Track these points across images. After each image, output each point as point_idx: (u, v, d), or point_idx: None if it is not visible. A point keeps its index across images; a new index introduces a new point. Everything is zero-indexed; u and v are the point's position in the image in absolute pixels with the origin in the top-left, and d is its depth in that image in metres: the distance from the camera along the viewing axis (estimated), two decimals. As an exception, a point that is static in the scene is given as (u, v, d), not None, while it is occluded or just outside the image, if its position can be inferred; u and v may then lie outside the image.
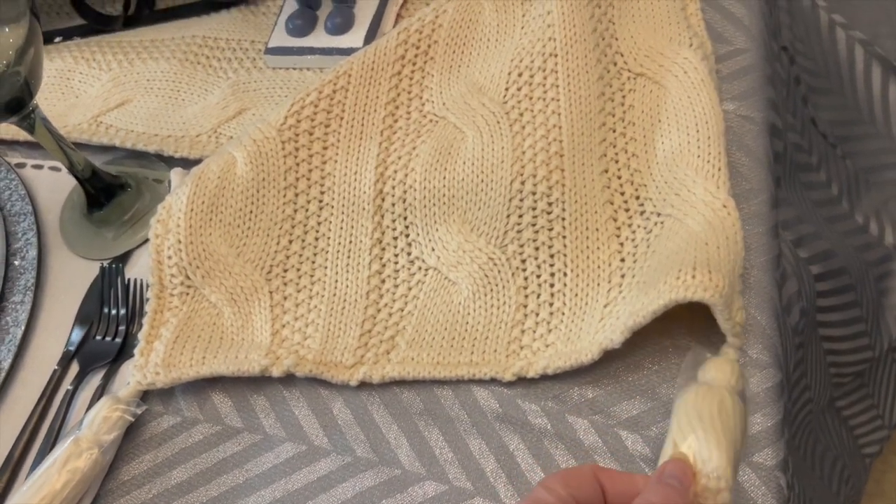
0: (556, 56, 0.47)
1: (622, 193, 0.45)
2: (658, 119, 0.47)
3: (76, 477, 0.40)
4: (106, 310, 0.47)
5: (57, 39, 0.63)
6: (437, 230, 0.46)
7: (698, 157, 0.44)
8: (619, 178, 0.46)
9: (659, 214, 0.44)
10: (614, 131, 0.47)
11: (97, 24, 0.62)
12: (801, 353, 0.54)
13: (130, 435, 0.44)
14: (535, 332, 0.43)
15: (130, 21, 0.62)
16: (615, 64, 0.49)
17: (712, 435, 0.33)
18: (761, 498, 0.37)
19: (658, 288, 0.38)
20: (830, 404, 0.73)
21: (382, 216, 0.48)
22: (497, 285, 0.44)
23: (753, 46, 0.50)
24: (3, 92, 0.42)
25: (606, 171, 0.46)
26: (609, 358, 0.41)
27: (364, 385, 0.43)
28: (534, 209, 0.45)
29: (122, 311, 0.47)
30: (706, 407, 0.34)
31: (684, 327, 0.41)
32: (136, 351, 0.45)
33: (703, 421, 0.33)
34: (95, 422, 0.42)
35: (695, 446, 0.33)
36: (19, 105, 0.44)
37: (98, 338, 0.47)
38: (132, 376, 0.44)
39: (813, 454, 0.61)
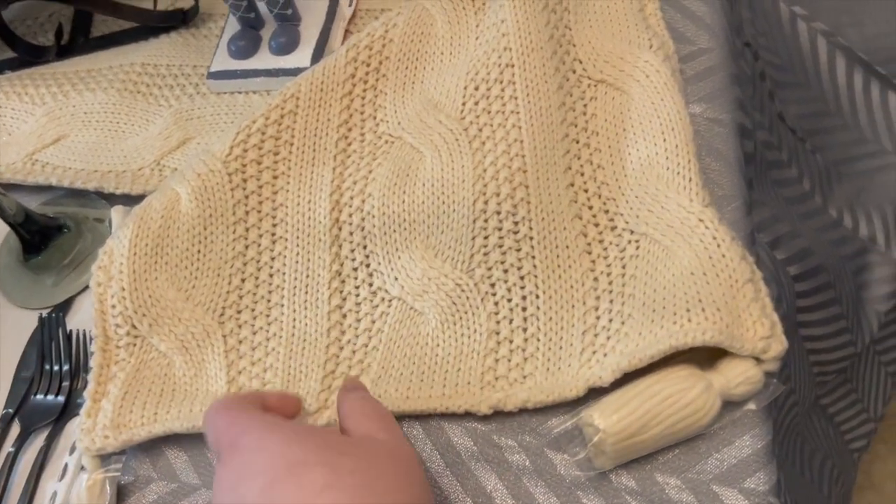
0: (512, 66, 0.44)
1: (590, 208, 0.43)
2: (623, 128, 0.45)
3: None
4: (47, 366, 0.44)
5: (-14, 74, 0.59)
6: (399, 258, 0.44)
7: (667, 168, 0.42)
8: (587, 191, 0.44)
9: (632, 232, 0.41)
10: (578, 142, 0.45)
11: (29, 56, 0.58)
12: (784, 359, 0.52)
13: (79, 500, 0.41)
14: (510, 360, 0.40)
15: (64, 51, 0.59)
16: (574, 72, 0.47)
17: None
18: (757, 526, 0.35)
19: (655, 333, 0.36)
20: (815, 403, 0.72)
21: (340, 246, 0.45)
22: (466, 312, 0.42)
23: (717, 45, 0.48)
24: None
25: (572, 185, 0.43)
26: (588, 386, 0.38)
27: (329, 430, 0.40)
28: (500, 229, 0.42)
29: (66, 367, 0.44)
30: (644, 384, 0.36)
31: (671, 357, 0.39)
32: (83, 412, 0.42)
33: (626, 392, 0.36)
34: (83, 497, 0.39)
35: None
36: (-64, 151, 0.40)
37: (40, 396, 0.44)
38: (79, 441, 0.41)
39: (801, 457, 0.59)
